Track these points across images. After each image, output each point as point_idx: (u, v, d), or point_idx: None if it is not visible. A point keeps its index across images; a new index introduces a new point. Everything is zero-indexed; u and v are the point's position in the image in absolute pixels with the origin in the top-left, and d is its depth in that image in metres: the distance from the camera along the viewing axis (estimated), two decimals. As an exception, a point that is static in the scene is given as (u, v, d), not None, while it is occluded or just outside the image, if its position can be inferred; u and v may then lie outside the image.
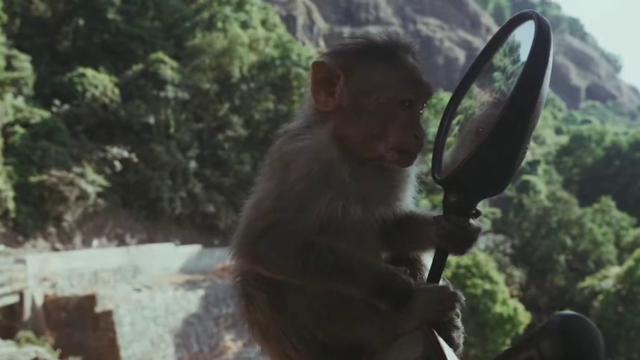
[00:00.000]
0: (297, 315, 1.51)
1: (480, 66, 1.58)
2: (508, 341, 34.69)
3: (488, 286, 33.69)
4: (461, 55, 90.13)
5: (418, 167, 1.65)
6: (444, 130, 1.60)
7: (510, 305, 34.10)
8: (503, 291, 34.49)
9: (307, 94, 1.65)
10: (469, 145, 1.47)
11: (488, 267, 34.75)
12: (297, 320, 1.51)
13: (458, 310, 1.52)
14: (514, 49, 1.51)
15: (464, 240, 1.52)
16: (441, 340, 1.42)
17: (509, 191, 53.65)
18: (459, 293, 1.50)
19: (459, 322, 1.55)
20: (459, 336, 1.55)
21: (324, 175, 1.50)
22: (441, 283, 1.58)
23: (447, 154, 1.57)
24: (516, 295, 38.48)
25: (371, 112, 1.54)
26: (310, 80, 1.59)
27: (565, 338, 1.17)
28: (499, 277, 35.16)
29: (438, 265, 1.55)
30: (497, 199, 53.59)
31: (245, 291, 1.59)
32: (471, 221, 1.51)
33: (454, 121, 1.60)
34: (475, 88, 1.59)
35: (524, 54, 1.44)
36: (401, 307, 1.46)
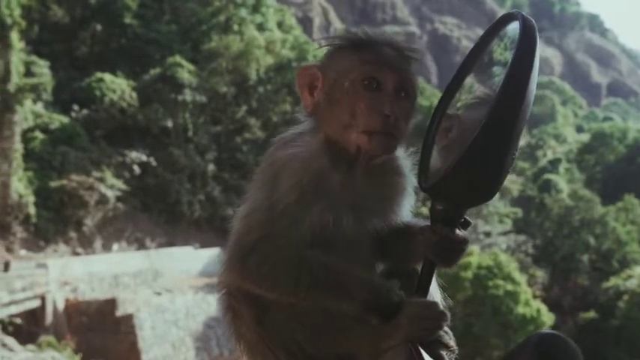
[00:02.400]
0: (284, 329, 1.48)
1: (468, 69, 1.53)
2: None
3: (510, 287, 33.40)
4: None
5: (415, 178, 1.58)
6: (432, 134, 1.54)
7: (533, 306, 33.76)
8: (525, 292, 34.17)
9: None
10: (456, 150, 1.41)
11: (509, 267, 34.46)
12: (285, 334, 1.48)
13: (446, 328, 1.49)
14: (500, 51, 1.48)
15: (450, 251, 1.49)
16: (426, 356, 1.40)
17: (531, 190, 53.19)
18: (446, 312, 1.47)
19: (448, 340, 1.51)
20: (449, 354, 1.52)
21: (315, 186, 1.46)
22: (437, 294, 1.59)
23: (434, 160, 1.51)
24: (539, 296, 38.06)
25: (339, 100, 1.51)
26: (297, 86, 1.58)
27: (541, 357, 1.15)
28: (521, 278, 34.85)
29: (426, 277, 1.51)
30: (519, 198, 53.12)
31: (230, 304, 1.56)
32: (458, 232, 1.47)
33: (443, 126, 1.54)
34: (462, 93, 1.54)
35: (509, 56, 1.40)
36: (389, 321, 1.43)
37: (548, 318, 34.07)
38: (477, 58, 1.52)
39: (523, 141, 71.24)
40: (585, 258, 44.67)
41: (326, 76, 1.55)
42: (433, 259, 1.50)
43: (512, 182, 54.81)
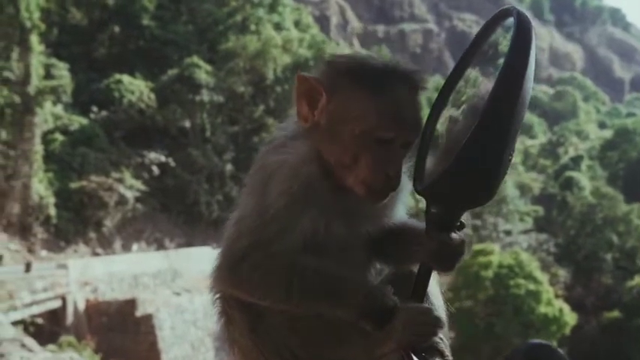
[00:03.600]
0: (277, 335, 1.47)
1: (462, 70, 1.49)
2: (554, 342, 33.96)
3: (531, 287, 33.12)
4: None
5: (410, 180, 1.54)
6: (427, 137, 1.50)
7: (555, 306, 33.43)
8: (547, 291, 33.85)
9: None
10: (451, 152, 1.38)
11: (531, 267, 34.18)
12: (278, 341, 1.47)
13: (441, 335, 1.45)
14: (495, 49, 1.44)
15: (450, 256, 1.46)
16: None
17: (552, 188, 52.64)
18: (441, 318, 1.43)
19: (444, 347, 1.47)
20: None
21: (305, 192, 1.44)
22: (438, 299, 1.56)
23: (430, 163, 1.48)
24: (561, 295, 37.68)
25: (344, 140, 1.46)
26: (294, 93, 1.52)
27: None
28: (543, 277, 34.56)
29: (422, 281, 1.48)
30: (540, 196, 52.62)
31: (224, 309, 1.54)
32: (454, 235, 1.44)
33: (439, 126, 1.51)
34: (458, 94, 1.50)
35: (504, 55, 1.36)
36: (383, 327, 1.41)
37: (570, 318, 33.72)
38: (471, 58, 1.49)
39: (544, 138, 70.65)
40: (609, 256, 44.26)
41: (332, 103, 1.48)
42: (434, 267, 1.48)
43: (534, 180, 54.33)
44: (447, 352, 1.48)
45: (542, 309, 32.80)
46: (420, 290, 1.47)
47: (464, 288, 34.48)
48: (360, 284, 1.45)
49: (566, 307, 33.79)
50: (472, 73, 1.47)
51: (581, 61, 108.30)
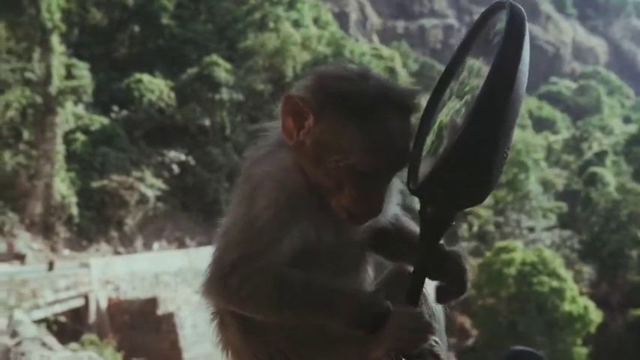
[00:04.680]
0: (269, 338, 1.46)
1: (457, 64, 1.47)
2: (579, 341, 33.54)
3: (555, 284, 32.82)
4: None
5: (400, 181, 1.52)
6: (421, 136, 1.46)
7: (580, 303, 33.08)
8: (571, 288, 33.51)
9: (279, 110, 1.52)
10: (444, 149, 1.36)
11: (555, 264, 33.88)
12: (270, 343, 1.47)
13: (432, 342, 1.42)
14: (489, 43, 1.40)
15: (456, 287, 1.47)
16: None
17: (576, 184, 51.94)
18: (432, 323, 1.40)
19: (439, 351, 1.45)
20: None
21: (293, 202, 1.43)
22: (435, 303, 1.54)
23: (424, 162, 1.44)
24: (586, 293, 37.18)
25: (328, 168, 1.43)
26: (280, 111, 1.48)
27: None
28: (567, 274, 34.23)
29: (417, 284, 1.44)
30: (564, 192, 51.97)
31: (216, 311, 1.55)
32: (459, 250, 1.48)
33: (433, 123, 1.47)
34: (453, 88, 1.47)
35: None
36: (375, 331, 1.39)
37: (596, 315, 33.36)
38: (465, 54, 1.46)
39: (568, 133, 69.68)
40: (634, 253, 43.65)
41: (319, 127, 1.44)
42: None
43: (557, 176, 53.73)
44: (443, 355, 1.46)
45: (567, 307, 32.50)
46: (414, 293, 1.44)
47: (486, 285, 34.23)
48: (351, 295, 1.42)
49: (591, 305, 33.42)
50: (476, 63, 1.43)
51: (604, 54, 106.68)
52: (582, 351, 33.67)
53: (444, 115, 1.45)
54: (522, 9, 1.34)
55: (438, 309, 1.57)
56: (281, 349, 1.47)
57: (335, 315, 1.40)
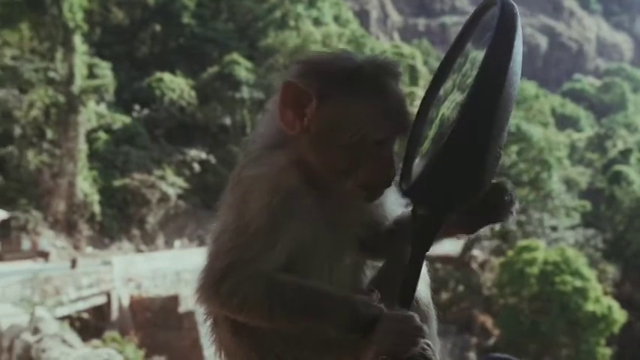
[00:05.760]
0: (262, 340, 1.45)
1: (448, 67, 1.47)
2: (602, 341, 33.09)
3: (578, 283, 32.37)
4: (543, 42, 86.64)
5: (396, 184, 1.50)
6: (414, 138, 1.47)
7: (604, 303, 32.59)
8: (595, 288, 33.02)
9: (271, 109, 1.51)
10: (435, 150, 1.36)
11: (578, 263, 33.42)
12: (263, 345, 1.45)
13: (423, 345, 1.39)
14: (481, 40, 1.39)
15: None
16: None
17: (600, 183, 51.20)
18: (422, 327, 1.38)
19: (431, 355, 1.41)
20: None
21: (286, 205, 1.41)
22: (428, 304, 1.53)
23: (417, 162, 1.46)
24: (610, 293, 36.61)
25: (341, 146, 1.43)
26: (279, 100, 1.45)
27: None
28: (590, 274, 33.72)
29: (409, 286, 1.42)
30: (587, 191, 51.25)
31: (209, 311, 1.53)
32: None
33: (427, 124, 1.48)
34: (446, 87, 1.47)
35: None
36: (367, 334, 1.38)
37: (620, 315, 32.86)
38: (458, 52, 1.45)
39: (591, 131, 68.68)
40: (660, 253, 42.79)
41: (324, 107, 1.43)
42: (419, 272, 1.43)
43: (581, 174, 53.05)
44: (434, 359, 1.43)
45: (590, 306, 32.03)
46: (406, 296, 1.42)
47: (508, 285, 33.90)
48: (343, 299, 1.41)
49: (615, 305, 32.88)
50: (479, 55, 1.37)
51: (629, 51, 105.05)
52: (606, 351, 33.21)
53: (446, 108, 1.43)
54: (515, 5, 1.31)
55: (429, 313, 1.55)
56: (273, 351, 1.46)
57: (327, 320, 1.39)
